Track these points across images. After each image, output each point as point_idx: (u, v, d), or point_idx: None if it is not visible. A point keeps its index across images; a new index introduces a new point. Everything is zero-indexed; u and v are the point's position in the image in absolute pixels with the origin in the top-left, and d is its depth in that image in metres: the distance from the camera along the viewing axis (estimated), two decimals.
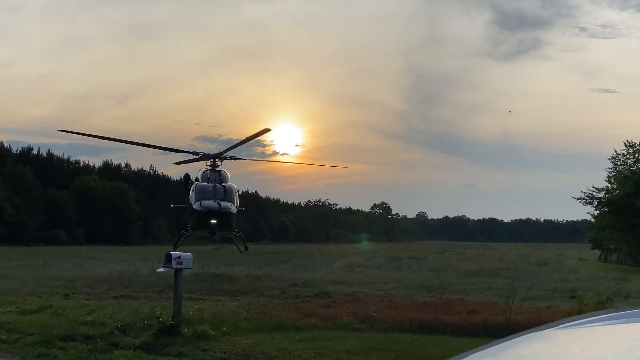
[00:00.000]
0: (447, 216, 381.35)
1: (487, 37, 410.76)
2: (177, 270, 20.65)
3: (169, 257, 20.44)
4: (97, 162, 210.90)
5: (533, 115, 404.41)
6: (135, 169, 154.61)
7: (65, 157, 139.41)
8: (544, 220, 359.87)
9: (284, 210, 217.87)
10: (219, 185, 24.55)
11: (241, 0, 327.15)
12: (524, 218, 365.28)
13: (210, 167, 25.81)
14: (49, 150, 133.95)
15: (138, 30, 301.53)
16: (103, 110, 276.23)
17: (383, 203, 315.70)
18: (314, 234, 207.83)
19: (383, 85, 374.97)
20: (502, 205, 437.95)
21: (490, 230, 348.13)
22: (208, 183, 24.70)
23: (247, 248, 27.90)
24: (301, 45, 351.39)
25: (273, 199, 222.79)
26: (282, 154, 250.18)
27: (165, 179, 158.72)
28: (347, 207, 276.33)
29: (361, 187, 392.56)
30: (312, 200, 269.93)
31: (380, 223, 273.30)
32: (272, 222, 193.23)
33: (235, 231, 26.00)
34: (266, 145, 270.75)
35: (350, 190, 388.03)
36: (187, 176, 25.70)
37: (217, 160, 26.01)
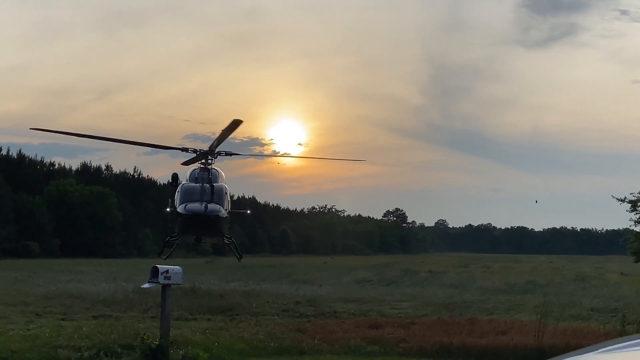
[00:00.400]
0: (470, 224, 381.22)
1: (515, 22, 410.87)
2: (164, 286, 20.67)
3: (155, 272, 20.48)
4: (74, 163, 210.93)
5: (568, 110, 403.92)
6: (118, 172, 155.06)
7: (38, 158, 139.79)
8: (581, 229, 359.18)
9: (285, 217, 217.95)
10: (207, 185, 24.24)
11: None
12: (557, 227, 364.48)
13: (201, 166, 26.08)
14: (20, 150, 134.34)
15: (122, 16, 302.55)
16: (82, 106, 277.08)
17: (397, 210, 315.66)
18: (319, 245, 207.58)
19: (397, 77, 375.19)
20: (533, 212, 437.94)
21: (519, 240, 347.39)
22: (196, 183, 24.96)
23: (240, 257, 28.04)
24: (305, 32, 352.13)
25: (273, 205, 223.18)
26: (282, 154, 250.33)
27: (151, 183, 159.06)
28: (357, 215, 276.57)
29: (373, 192, 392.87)
30: (317, 207, 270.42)
31: (394, 232, 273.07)
32: (272, 231, 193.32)
33: (227, 237, 26.05)
34: (265, 144, 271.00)
35: (360, 195, 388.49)
36: (175, 176, 25.68)
37: (210, 157, 25.75)
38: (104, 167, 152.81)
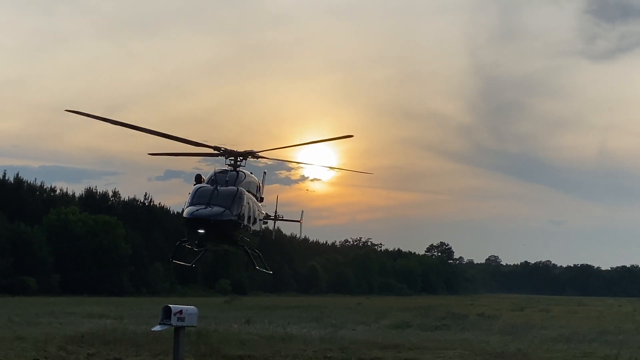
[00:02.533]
0: (526, 262, 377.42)
1: (579, 31, 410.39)
2: (178, 329, 20.74)
3: (167, 312, 20.56)
4: (77, 189, 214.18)
5: (639, 131, 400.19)
6: (126, 199, 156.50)
7: (38, 183, 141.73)
8: None
9: (315, 252, 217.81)
10: (219, 188, 25.19)
11: None
12: (627, 265, 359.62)
13: (227, 167, 27.12)
14: (18, 174, 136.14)
15: (130, 24, 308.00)
16: (85, 124, 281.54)
17: (442, 244, 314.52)
18: (352, 284, 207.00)
19: (443, 92, 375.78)
20: (600, 248, 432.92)
21: (583, 280, 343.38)
22: (210, 185, 25.53)
23: (268, 270, 28.84)
24: (337, 41, 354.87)
25: (300, 237, 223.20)
26: (311, 180, 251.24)
27: (163, 212, 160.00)
28: (396, 249, 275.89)
29: (414, 223, 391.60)
30: (350, 239, 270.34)
31: (439, 270, 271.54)
32: (299, 267, 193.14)
33: (244, 245, 26.54)
34: (292, 168, 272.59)
35: (399, 227, 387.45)
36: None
37: (238, 159, 27.10)
38: (110, 194, 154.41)
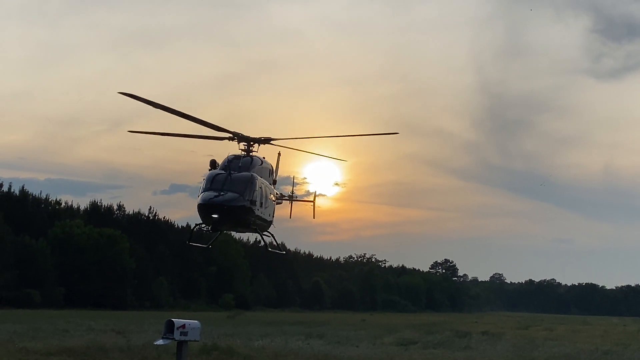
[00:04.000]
0: (531, 280, 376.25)
1: (585, 49, 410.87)
2: (180, 343, 20.71)
3: (170, 326, 20.55)
4: (82, 202, 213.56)
5: None
6: (131, 212, 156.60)
7: (43, 195, 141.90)
8: None
9: (319, 267, 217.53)
10: (232, 173, 25.89)
11: (269, 1, 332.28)
12: (632, 284, 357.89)
13: (241, 152, 27.63)
14: (23, 187, 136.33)
15: (137, 38, 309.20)
16: (91, 138, 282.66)
17: (447, 261, 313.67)
18: (356, 300, 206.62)
19: (448, 109, 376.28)
20: (605, 267, 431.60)
21: (588, 299, 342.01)
22: (224, 172, 26.19)
23: (282, 251, 29.72)
24: (344, 56, 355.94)
25: (304, 252, 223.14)
26: (317, 195, 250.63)
27: (168, 226, 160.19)
28: (400, 266, 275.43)
29: (418, 240, 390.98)
30: (354, 256, 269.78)
31: (443, 287, 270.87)
32: (303, 283, 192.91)
33: (256, 228, 27.16)
34: (297, 184, 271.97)
35: (404, 244, 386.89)
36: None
37: (251, 144, 27.80)
38: (115, 207, 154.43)
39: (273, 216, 29.50)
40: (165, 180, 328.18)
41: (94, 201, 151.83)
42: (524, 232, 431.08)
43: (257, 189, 26.28)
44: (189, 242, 28.12)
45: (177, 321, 20.74)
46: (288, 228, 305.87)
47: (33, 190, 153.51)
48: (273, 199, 29.51)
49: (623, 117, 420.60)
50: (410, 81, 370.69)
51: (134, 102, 25.52)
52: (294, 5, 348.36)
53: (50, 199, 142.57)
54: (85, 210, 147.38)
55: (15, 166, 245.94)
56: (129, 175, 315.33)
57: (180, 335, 20.38)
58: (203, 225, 26.61)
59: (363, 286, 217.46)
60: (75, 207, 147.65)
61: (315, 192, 36.95)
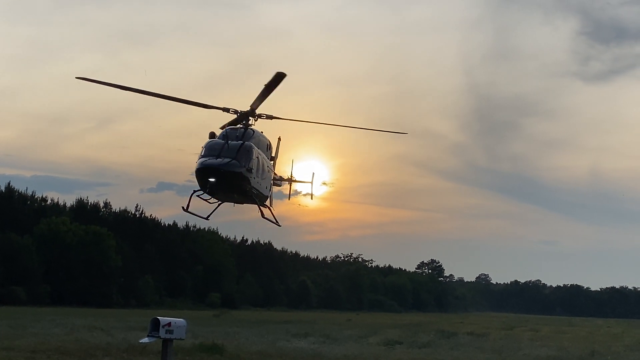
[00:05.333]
0: (516, 281, 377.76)
1: (573, 52, 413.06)
2: (166, 341, 20.64)
3: (156, 324, 20.48)
4: (68, 200, 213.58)
5: (631, 153, 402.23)
6: (117, 210, 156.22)
7: (29, 192, 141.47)
8: None
9: (305, 267, 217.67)
10: (231, 142, 26.72)
11: (259, 0, 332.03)
12: (617, 286, 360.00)
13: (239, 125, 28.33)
14: (9, 183, 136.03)
15: (126, 35, 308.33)
16: (79, 135, 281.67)
17: (433, 261, 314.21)
18: (343, 300, 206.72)
19: (437, 111, 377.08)
20: (590, 269, 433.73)
21: (573, 300, 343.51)
22: (221, 140, 27.01)
23: (278, 224, 30.10)
24: (333, 58, 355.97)
25: (291, 252, 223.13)
26: (304, 195, 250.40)
27: (154, 224, 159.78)
28: (387, 266, 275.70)
29: (405, 241, 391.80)
30: (341, 255, 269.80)
31: (429, 287, 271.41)
32: (290, 282, 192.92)
33: (253, 196, 27.73)
34: (270, 220, 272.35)
35: (390, 244, 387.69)
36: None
37: (250, 119, 28.39)
38: (102, 205, 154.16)
39: (270, 190, 30.23)
40: (153, 178, 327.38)
41: (80, 198, 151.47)
42: (510, 234, 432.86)
43: (253, 158, 27.09)
44: (186, 209, 28.46)
45: (163, 319, 20.68)
46: (275, 227, 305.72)
47: (19, 187, 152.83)
48: (270, 173, 30.31)
49: (610, 120, 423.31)
50: (400, 83, 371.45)
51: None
52: (283, 5, 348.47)
53: (36, 196, 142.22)
54: (72, 207, 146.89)
55: (2, 163, 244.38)
56: (116, 173, 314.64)
57: (166, 333, 20.32)
58: (200, 192, 27.26)
59: (349, 286, 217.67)
60: (62, 204, 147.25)
61: (314, 173, 37.36)
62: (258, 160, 27.71)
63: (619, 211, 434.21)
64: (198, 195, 27.72)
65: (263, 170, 28.50)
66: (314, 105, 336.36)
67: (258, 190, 28.07)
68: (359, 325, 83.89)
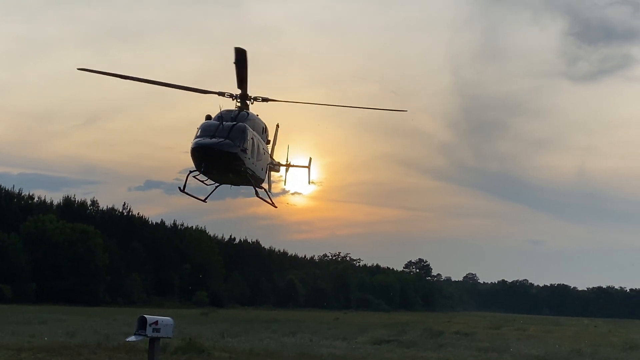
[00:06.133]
0: (504, 280, 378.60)
1: (561, 52, 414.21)
2: (152, 340, 20.56)
3: (143, 322, 20.40)
4: (55, 197, 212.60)
5: (618, 153, 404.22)
6: (104, 208, 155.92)
7: (16, 190, 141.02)
8: (631, 289, 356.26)
9: (293, 266, 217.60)
10: (225, 123, 26.96)
11: None
12: (604, 286, 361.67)
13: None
14: None
15: (115, 33, 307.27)
16: (67, 132, 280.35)
17: (421, 260, 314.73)
18: (330, 298, 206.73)
19: (425, 110, 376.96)
20: (577, 268, 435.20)
21: (559, 300, 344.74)
22: (216, 121, 27.24)
23: (273, 205, 30.47)
24: (322, 56, 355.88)
25: (279, 251, 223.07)
26: (292, 193, 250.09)
27: (142, 222, 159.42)
28: (374, 265, 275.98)
29: (393, 240, 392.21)
30: (329, 254, 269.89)
31: (417, 286, 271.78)
32: (277, 281, 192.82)
33: (247, 176, 28.00)
34: (273, 182, 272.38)
35: (378, 243, 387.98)
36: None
37: (245, 101, 28.67)
38: (89, 203, 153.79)
39: (265, 173, 30.51)
40: (141, 176, 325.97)
41: (68, 196, 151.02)
42: (498, 233, 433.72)
43: (248, 138, 27.29)
44: (182, 190, 28.60)
45: (150, 317, 20.60)
46: (263, 226, 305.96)
47: (6, 184, 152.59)
48: (265, 155, 30.57)
49: (597, 120, 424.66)
50: (387, 81, 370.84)
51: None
52: (272, 3, 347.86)
53: (22, 194, 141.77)
54: (59, 205, 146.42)
55: None
56: (104, 171, 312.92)
57: (153, 331, 20.24)
58: (196, 172, 27.50)
59: (337, 285, 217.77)
60: (49, 202, 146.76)
61: (310, 158, 37.47)
62: (253, 142, 27.93)
63: (606, 211, 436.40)
64: (194, 176, 27.88)
65: (258, 152, 28.74)
66: (302, 104, 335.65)
67: (253, 171, 28.27)
68: (347, 324, 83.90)
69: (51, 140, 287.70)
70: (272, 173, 32.40)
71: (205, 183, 28.41)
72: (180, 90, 29.56)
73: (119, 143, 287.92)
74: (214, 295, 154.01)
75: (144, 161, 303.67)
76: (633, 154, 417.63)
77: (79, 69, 27.09)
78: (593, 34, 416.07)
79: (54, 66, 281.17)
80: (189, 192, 29.04)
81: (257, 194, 29.65)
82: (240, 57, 26.88)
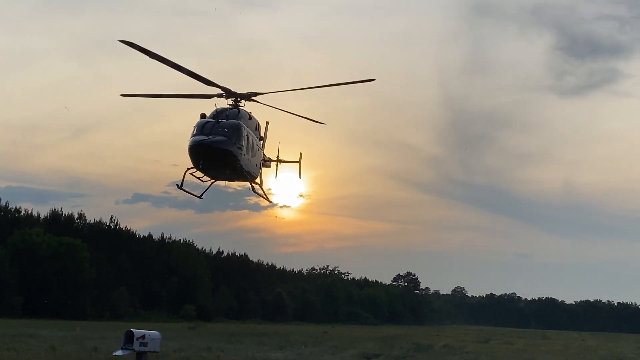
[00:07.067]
0: (492, 294, 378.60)
1: (548, 66, 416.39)
2: (140, 354, 20.44)
3: (130, 337, 20.30)
4: (42, 211, 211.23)
5: (605, 167, 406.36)
6: (92, 222, 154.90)
7: (3, 203, 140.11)
8: (618, 303, 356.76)
9: (281, 279, 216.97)
10: (220, 121, 27.77)
11: (235, 11, 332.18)
12: (591, 299, 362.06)
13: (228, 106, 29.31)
14: None
15: (101, 45, 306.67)
16: (53, 145, 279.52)
17: (409, 274, 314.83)
18: (318, 312, 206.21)
19: (412, 123, 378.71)
20: (565, 282, 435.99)
21: (547, 313, 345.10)
22: (212, 119, 28.04)
23: (270, 201, 31.18)
24: (309, 69, 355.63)
25: (267, 264, 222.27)
26: (280, 207, 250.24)
27: (129, 235, 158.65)
28: (362, 278, 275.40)
29: (381, 253, 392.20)
30: (317, 268, 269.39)
31: (405, 300, 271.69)
32: (265, 294, 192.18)
33: (242, 172, 28.46)
34: (261, 195, 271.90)
35: (367, 256, 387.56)
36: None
37: (239, 100, 29.50)
38: (76, 216, 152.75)
39: (259, 169, 31.29)
40: (128, 189, 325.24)
41: (55, 209, 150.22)
42: (486, 246, 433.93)
43: (243, 136, 28.08)
44: (180, 187, 28.83)
45: (137, 332, 20.50)
46: (251, 239, 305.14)
47: None
48: (259, 151, 31.32)
49: (584, 134, 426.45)
50: (375, 94, 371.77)
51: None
52: (260, 17, 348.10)
53: (9, 207, 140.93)
54: (46, 218, 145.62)
55: None
56: (91, 184, 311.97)
57: (140, 346, 20.16)
58: (194, 170, 27.80)
59: (325, 298, 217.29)
60: (36, 215, 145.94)
61: (301, 153, 37.83)
62: (248, 139, 28.70)
63: (593, 225, 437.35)
64: (192, 174, 28.51)
65: (252, 148, 29.46)
66: (289, 116, 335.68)
67: (248, 167, 28.95)
68: (335, 338, 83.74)
69: (38, 153, 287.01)
70: (263, 169, 33.04)
71: (202, 180, 28.98)
72: (173, 99, 30.23)
73: (106, 156, 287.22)
74: (201, 308, 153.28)
75: (131, 174, 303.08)
76: (620, 168, 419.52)
77: (120, 40, 26.81)
78: (580, 49, 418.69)
79: (41, 79, 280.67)
80: (186, 189, 29.52)
81: (252, 189, 30.34)
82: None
